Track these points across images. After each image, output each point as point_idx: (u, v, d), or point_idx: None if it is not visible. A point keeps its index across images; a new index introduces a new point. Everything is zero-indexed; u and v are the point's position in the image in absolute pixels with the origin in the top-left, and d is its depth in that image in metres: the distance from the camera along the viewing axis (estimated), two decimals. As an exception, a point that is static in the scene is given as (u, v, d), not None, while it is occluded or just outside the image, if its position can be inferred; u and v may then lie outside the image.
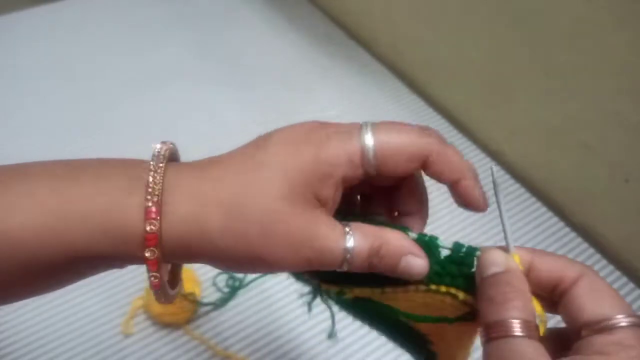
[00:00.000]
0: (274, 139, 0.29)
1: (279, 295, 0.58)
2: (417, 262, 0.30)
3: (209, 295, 0.58)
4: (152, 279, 0.28)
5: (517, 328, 0.25)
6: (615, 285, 0.61)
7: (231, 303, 0.57)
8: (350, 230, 0.29)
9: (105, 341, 0.54)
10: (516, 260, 0.29)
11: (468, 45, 0.75)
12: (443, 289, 0.30)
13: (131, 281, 0.58)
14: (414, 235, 0.31)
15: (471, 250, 0.30)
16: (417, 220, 0.33)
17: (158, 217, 0.27)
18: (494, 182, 0.31)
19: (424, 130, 0.30)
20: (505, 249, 0.30)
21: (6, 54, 0.88)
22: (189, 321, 0.55)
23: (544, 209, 0.69)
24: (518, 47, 0.68)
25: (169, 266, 0.33)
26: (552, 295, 0.29)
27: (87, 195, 0.27)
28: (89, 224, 0.27)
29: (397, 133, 0.29)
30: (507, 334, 0.26)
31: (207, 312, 0.57)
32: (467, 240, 0.31)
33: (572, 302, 0.27)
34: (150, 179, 0.27)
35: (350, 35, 0.94)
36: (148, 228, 0.27)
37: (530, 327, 0.26)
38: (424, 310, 0.32)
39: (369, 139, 0.29)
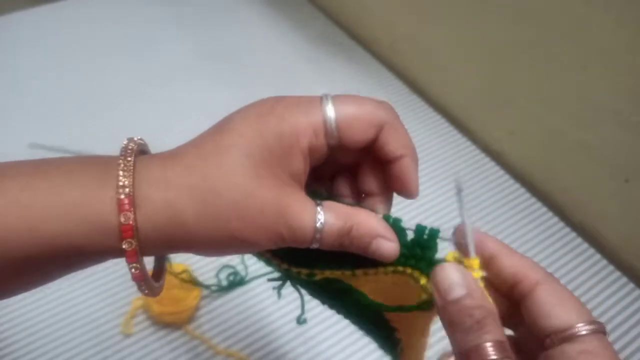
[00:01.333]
0: (236, 119, 0.30)
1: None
2: (388, 245, 0.30)
3: (209, 294, 0.58)
4: (133, 270, 0.29)
5: (492, 352, 0.25)
6: (615, 285, 0.61)
7: (231, 303, 0.58)
8: (321, 208, 0.29)
9: (105, 341, 0.54)
10: (476, 265, 0.29)
11: (468, 45, 0.75)
12: (408, 270, 0.31)
13: (131, 281, 0.58)
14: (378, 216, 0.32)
15: (434, 233, 0.31)
16: (383, 200, 0.33)
17: (131, 209, 0.27)
18: (457, 187, 0.32)
19: (381, 102, 0.31)
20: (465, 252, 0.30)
21: (6, 54, 0.88)
22: (188, 321, 0.56)
23: (544, 209, 0.69)
24: (518, 47, 0.68)
25: (151, 258, 0.33)
26: (510, 292, 0.29)
27: (58, 189, 0.27)
28: (63, 218, 0.27)
29: (355, 104, 0.30)
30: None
31: (207, 312, 0.57)
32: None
33: (536, 307, 0.28)
34: (120, 172, 0.28)
35: (350, 35, 0.94)
36: (122, 220, 0.27)
37: (504, 348, 0.26)
38: (390, 294, 0.33)
39: (330, 110, 0.30)
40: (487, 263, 0.30)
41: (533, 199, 0.70)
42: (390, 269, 0.31)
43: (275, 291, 0.37)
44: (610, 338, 0.56)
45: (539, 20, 0.64)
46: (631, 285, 0.61)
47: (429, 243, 0.31)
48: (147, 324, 0.56)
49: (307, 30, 0.95)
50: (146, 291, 0.30)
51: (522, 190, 0.71)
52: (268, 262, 0.35)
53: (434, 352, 0.36)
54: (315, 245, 0.30)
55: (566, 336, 0.26)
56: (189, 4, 0.99)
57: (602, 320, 0.57)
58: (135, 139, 0.31)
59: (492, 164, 0.74)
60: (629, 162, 0.60)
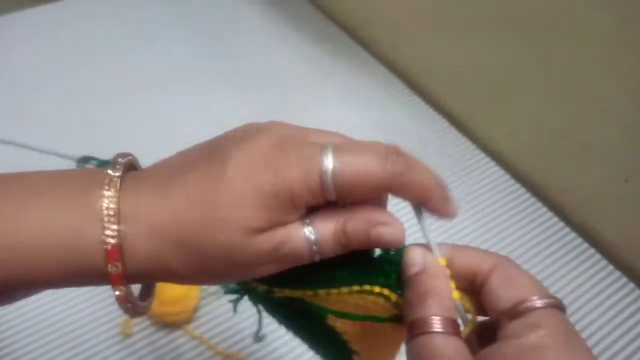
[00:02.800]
0: (233, 164, 0.27)
1: (279, 295, 0.58)
2: (388, 232, 0.29)
3: (209, 295, 0.58)
4: (124, 310, 0.29)
5: (436, 324, 0.26)
6: (615, 286, 0.61)
7: (230, 304, 0.57)
8: (309, 221, 0.28)
9: (105, 341, 0.54)
10: (441, 261, 0.29)
11: (468, 45, 0.75)
12: (377, 289, 0.29)
13: (131, 281, 0.58)
14: None
15: (402, 249, 0.30)
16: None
17: (120, 259, 0.26)
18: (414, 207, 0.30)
19: (390, 155, 0.28)
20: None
21: (6, 54, 0.88)
22: (188, 321, 0.56)
23: (544, 209, 0.69)
24: (518, 47, 0.68)
25: None
26: (472, 289, 0.28)
27: (40, 224, 0.26)
28: (43, 256, 0.26)
29: (360, 161, 0.27)
30: (426, 331, 0.26)
31: (207, 312, 0.57)
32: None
33: (489, 294, 0.27)
34: (105, 216, 0.26)
35: (350, 35, 0.94)
36: (110, 269, 0.26)
37: (448, 324, 0.26)
38: (354, 311, 0.31)
39: (328, 169, 0.27)
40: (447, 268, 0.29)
41: (533, 199, 0.70)
42: (356, 288, 0.30)
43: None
44: (610, 338, 0.56)
45: (539, 21, 0.64)
46: (631, 285, 0.61)
47: (397, 258, 0.30)
48: (147, 324, 0.56)
49: (307, 30, 0.94)
50: (132, 314, 0.30)
51: (522, 190, 0.71)
52: None
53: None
54: (317, 258, 0.29)
55: (515, 312, 0.26)
56: (189, 4, 0.99)
57: (603, 320, 0.57)
58: (123, 158, 0.29)
59: (492, 163, 0.74)
60: (629, 162, 0.60)
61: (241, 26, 0.96)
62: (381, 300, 0.30)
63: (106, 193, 0.27)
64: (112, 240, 0.26)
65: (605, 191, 0.64)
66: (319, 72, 0.87)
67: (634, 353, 0.55)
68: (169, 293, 0.54)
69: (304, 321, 0.34)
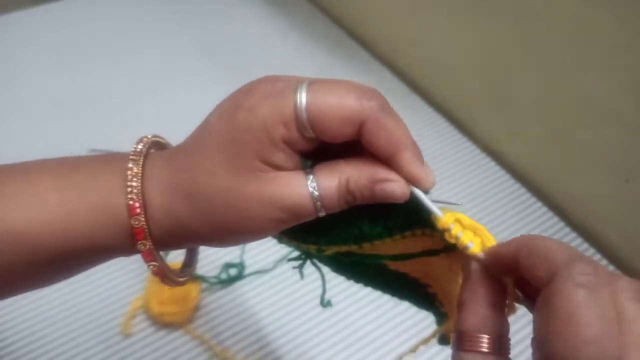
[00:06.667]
0: (214, 114, 0.30)
1: (279, 295, 0.58)
2: (392, 187, 0.28)
3: (208, 294, 0.58)
4: (152, 268, 0.30)
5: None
6: (615, 285, 0.61)
7: (231, 303, 0.58)
8: (313, 176, 0.28)
9: (105, 341, 0.54)
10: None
11: (468, 45, 0.75)
12: (418, 232, 0.30)
13: (131, 281, 0.58)
14: None
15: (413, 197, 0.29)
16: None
17: (141, 212, 0.28)
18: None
19: (366, 92, 0.28)
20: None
21: (6, 54, 0.88)
22: (188, 321, 0.56)
23: (544, 209, 0.69)
24: (518, 47, 0.68)
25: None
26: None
27: (84, 192, 0.29)
28: (88, 219, 0.28)
29: (334, 93, 0.27)
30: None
31: (207, 312, 0.57)
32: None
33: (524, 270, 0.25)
34: (129, 177, 0.29)
35: (350, 34, 0.94)
36: (134, 223, 0.28)
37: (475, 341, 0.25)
38: (404, 251, 0.32)
39: (302, 99, 0.27)
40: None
41: (533, 199, 0.70)
42: (398, 236, 0.31)
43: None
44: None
45: (539, 21, 0.64)
46: (631, 285, 0.61)
47: (416, 205, 0.29)
48: (147, 324, 0.56)
49: (307, 30, 0.94)
50: (170, 284, 0.32)
51: (523, 190, 0.71)
52: (287, 243, 0.34)
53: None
54: (322, 214, 0.28)
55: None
56: (189, 4, 0.99)
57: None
58: (148, 137, 0.32)
59: (493, 164, 0.74)
60: (629, 162, 0.60)
61: (241, 26, 0.96)
62: (427, 238, 0.30)
63: (131, 158, 0.30)
64: (133, 197, 0.28)
65: (605, 191, 0.64)
66: (319, 71, 0.87)
67: (634, 353, 0.55)
68: (169, 293, 0.54)
69: (367, 270, 0.35)
